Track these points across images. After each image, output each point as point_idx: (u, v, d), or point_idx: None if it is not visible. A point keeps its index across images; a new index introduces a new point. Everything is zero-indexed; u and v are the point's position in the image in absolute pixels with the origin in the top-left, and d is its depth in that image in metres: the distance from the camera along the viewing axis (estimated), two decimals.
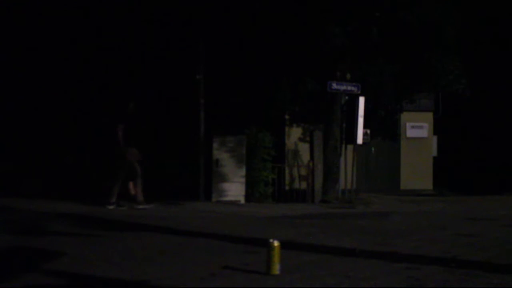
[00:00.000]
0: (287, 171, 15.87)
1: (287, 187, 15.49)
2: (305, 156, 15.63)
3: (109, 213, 10.20)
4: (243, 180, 13.40)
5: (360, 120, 13.24)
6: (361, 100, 13.26)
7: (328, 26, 12.59)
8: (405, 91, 15.30)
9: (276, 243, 5.00)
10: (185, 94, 14.06)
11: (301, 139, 16.67)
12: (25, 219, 9.17)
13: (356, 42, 13.04)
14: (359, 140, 13.39)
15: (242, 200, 13.29)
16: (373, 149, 17.87)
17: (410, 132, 18.39)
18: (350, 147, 13.72)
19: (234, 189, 13.34)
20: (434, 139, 18.72)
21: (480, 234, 7.22)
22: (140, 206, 10.91)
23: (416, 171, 18.13)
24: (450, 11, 13.50)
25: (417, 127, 18.42)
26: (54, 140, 14.80)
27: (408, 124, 18.32)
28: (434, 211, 11.25)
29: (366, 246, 6.37)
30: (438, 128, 18.85)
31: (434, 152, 18.63)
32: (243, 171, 13.43)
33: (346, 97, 13.46)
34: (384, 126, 16.17)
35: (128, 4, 13.93)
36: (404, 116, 17.84)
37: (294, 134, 16.78)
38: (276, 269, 4.99)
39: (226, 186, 13.37)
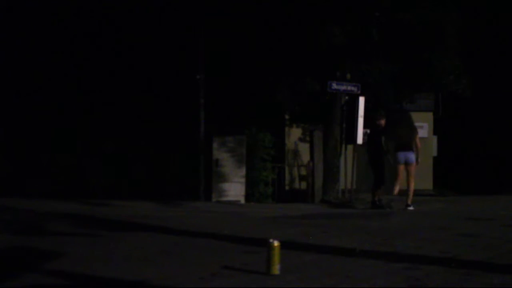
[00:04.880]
0: (287, 171, 15.87)
1: (287, 187, 15.50)
2: (305, 156, 15.64)
3: (109, 213, 10.21)
4: (243, 180, 13.41)
5: (360, 120, 13.24)
6: (361, 100, 13.26)
7: (328, 26, 12.60)
8: (405, 91, 15.30)
9: (276, 243, 4.99)
10: (185, 94, 14.07)
11: (301, 139, 16.67)
12: (26, 219, 9.16)
13: (356, 42, 13.04)
14: (359, 140, 13.39)
15: (242, 200, 13.30)
16: None
17: None
18: (350, 147, 13.72)
19: (234, 189, 13.35)
20: (434, 139, 18.69)
21: (480, 234, 7.21)
22: (410, 208, 11.17)
23: (416, 171, 18.07)
24: (450, 11, 13.51)
25: (417, 127, 18.37)
26: (55, 140, 14.81)
27: None
28: (434, 211, 11.24)
29: (366, 246, 6.36)
30: (438, 128, 18.84)
31: (434, 152, 18.60)
32: (243, 171, 13.43)
33: (346, 97, 13.46)
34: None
35: (129, 3, 13.94)
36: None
37: (294, 134, 16.78)
38: (276, 269, 4.98)
39: (226, 186, 13.38)
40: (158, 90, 14.77)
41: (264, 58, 13.67)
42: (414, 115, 18.13)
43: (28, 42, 14.71)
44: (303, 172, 15.37)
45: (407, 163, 11.40)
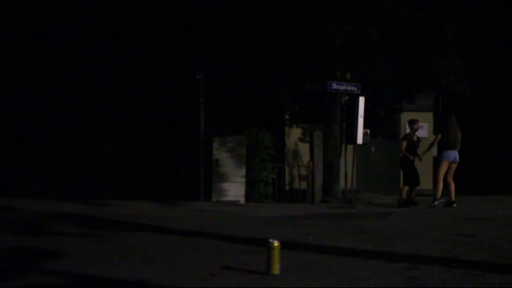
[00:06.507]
0: (287, 171, 15.88)
1: (287, 187, 15.51)
2: (305, 156, 15.64)
3: (109, 213, 10.21)
4: (243, 180, 13.41)
5: (360, 120, 13.25)
6: (361, 100, 13.26)
7: (328, 26, 12.60)
8: (405, 91, 15.31)
9: (276, 243, 4.99)
10: (185, 94, 14.07)
11: (301, 139, 16.68)
12: (26, 219, 9.17)
13: (356, 42, 13.04)
14: (359, 140, 13.40)
15: (242, 200, 13.31)
16: (373, 149, 17.86)
17: None
18: (350, 147, 13.72)
19: (234, 189, 13.36)
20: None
21: (480, 234, 7.20)
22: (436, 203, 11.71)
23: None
24: (450, 11, 13.51)
25: None
26: (55, 140, 14.80)
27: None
28: (434, 211, 11.24)
29: (366, 246, 6.37)
30: (438, 128, 18.81)
31: (434, 152, 18.59)
32: (243, 171, 13.44)
33: (346, 97, 13.46)
34: (384, 126, 16.19)
35: (129, 3, 13.93)
36: (404, 116, 17.82)
37: (294, 134, 16.79)
38: (276, 269, 4.98)
39: (226, 186, 13.39)
40: (158, 90, 14.76)
41: (264, 58, 13.67)
42: (414, 115, 18.13)
43: (29, 40, 14.70)
44: (303, 172, 15.36)
45: (454, 162, 11.76)
